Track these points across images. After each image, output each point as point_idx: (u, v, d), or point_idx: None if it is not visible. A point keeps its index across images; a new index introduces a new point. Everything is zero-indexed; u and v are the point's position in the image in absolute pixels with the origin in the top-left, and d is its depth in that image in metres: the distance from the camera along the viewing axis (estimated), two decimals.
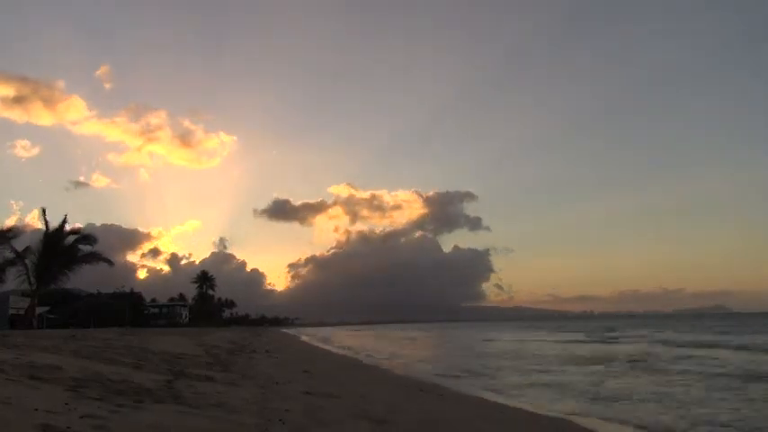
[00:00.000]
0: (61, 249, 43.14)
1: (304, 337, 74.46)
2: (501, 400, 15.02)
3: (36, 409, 5.70)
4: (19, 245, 42.68)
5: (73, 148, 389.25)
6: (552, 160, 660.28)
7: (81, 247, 44.64)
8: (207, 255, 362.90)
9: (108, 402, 6.80)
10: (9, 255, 41.84)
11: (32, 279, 42.10)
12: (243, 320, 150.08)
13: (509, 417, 12.11)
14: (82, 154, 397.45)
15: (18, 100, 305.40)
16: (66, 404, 6.29)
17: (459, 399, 14.65)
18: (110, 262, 47.73)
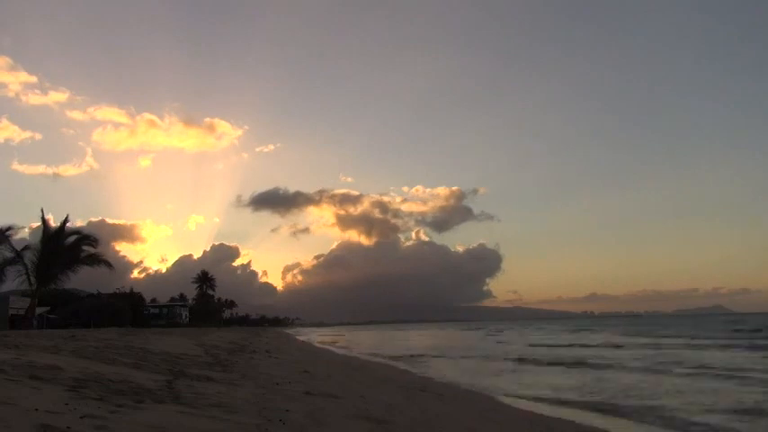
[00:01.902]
0: (62, 249, 43.11)
1: (304, 338, 74.39)
2: (502, 399, 15.03)
3: (36, 409, 5.69)
4: (19, 244, 42.72)
5: (64, 133, 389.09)
6: (555, 160, 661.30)
7: (82, 247, 44.66)
8: (206, 253, 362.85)
9: (108, 402, 6.79)
10: (9, 254, 41.83)
11: (32, 279, 42.07)
12: (243, 321, 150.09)
13: (509, 417, 12.12)
14: (73, 141, 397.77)
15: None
16: (66, 404, 6.28)
17: (460, 399, 14.65)
18: (110, 265, 47.72)
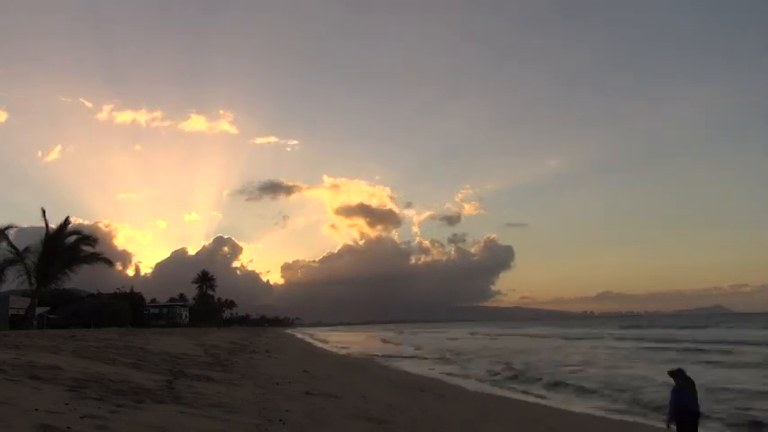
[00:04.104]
0: (62, 249, 43.08)
1: (304, 338, 74.35)
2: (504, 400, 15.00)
3: (36, 409, 5.69)
4: (19, 244, 42.63)
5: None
6: (558, 156, 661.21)
7: (82, 247, 44.63)
8: (205, 247, 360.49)
9: (108, 402, 6.79)
10: (9, 254, 41.76)
11: (33, 279, 42.03)
12: (243, 321, 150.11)
13: (511, 417, 12.10)
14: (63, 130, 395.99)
15: None
16: (66, 404, 6.28)
17: (459, 399, 14.64)
18: (109, 262, 47.72)
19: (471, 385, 18.18)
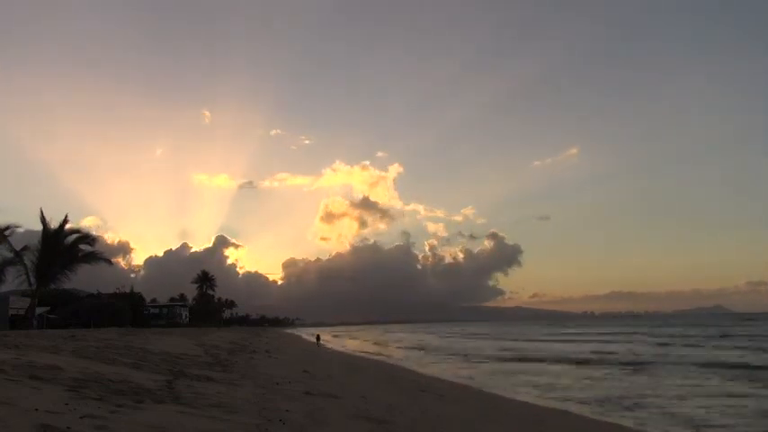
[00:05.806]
0: (61, 249, 43.05)
1: (304, 338, 74.37)
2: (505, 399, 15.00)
3: (36, 409, 5.69)
4: (18, 244, 42.59)
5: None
6: (565, 158, 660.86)
7: (81, 246, 44.61)
8: (205, 249, 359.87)
9: (108, 402, 6.79)
10: (8, 254, 41.74)
11: (32, 279, 42.01)
12: (243, 321, 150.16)
13: (508, 415, 12.11)
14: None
15: None
16: (66, 404, 6.27)
17: (460, 399, 14.65)
18: (109, 261, 47.70)
19: (472, 387, 18.19)
